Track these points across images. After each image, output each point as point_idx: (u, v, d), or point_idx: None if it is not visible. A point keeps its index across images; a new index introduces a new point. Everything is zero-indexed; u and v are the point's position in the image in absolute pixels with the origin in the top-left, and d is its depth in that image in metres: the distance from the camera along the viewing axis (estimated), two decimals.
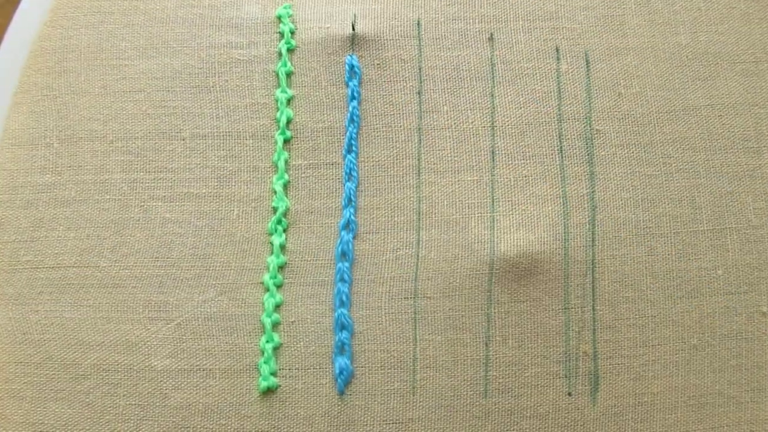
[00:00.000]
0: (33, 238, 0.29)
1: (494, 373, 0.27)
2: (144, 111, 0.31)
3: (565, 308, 0.28)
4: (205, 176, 0.30)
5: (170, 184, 0.30)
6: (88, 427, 0.27)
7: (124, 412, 0.27)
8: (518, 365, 0.28)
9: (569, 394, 0.27)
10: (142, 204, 0.30)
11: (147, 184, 0.30)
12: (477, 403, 0.27)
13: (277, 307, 0.28)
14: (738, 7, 0.32)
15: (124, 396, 0.27)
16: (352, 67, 0.31)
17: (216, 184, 0.30)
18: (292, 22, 0.32)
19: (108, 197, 0.30)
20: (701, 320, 0.28)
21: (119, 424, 0.27)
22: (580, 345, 0.28)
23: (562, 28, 0.32)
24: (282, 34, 0.32)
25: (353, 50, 0.31)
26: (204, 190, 0.30)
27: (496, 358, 0.28)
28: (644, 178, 0.30)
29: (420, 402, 0.27)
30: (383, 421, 0.27)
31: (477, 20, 0.32)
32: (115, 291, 0.28)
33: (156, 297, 0.28)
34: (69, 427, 0.27)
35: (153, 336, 0.28)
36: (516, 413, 0.27)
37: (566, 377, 0.27)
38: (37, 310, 0.28)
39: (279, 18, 0.32)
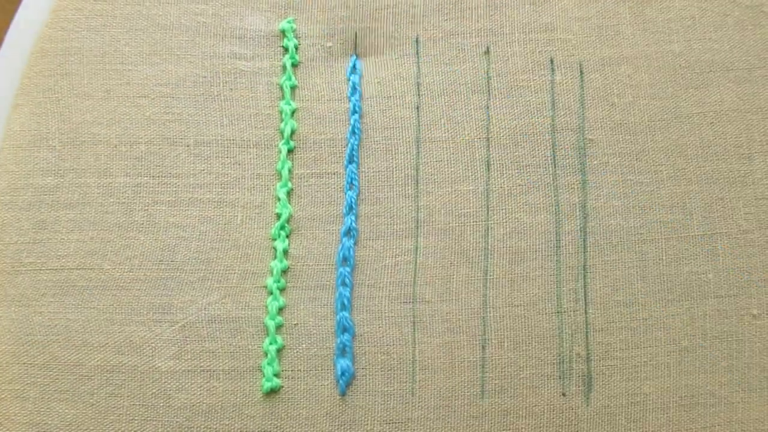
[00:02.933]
0: (36, 240, 0.29)
1: (490, 375, 0.28)
2: (148, 116, 0.31)
3: (558, 312, 0.29)
4: (209, 182, 0.30)
5: (174, 189, 0.30)
6: (92, 428, 0.27)
7: (128, 412, 0.27)
8: (514, 367, 0.28)
9: (563, 394, 0.28)
10: (146, 208, 0.30)
11: (151, 189, 0.30)
12: (474, 404, 0.28)
13: (280, 310, 0.29)
14: (732, 14, 0.32)
15: (128, 397, 0.27)
16: (353, 84, 0.31)
17: (220, 190, 0.30)
18: (296, 37, 0.32)
19: (112, 200, 0.30)
20: (692, 323, 0.28)
21: (123, 425, 0.27)
22: (573, 347, 0.28)
23: (557, 39, 0.32)
24: (286, 49, 0.32)
25: (354, 69, 0.32)
26: (208, 196, 0.30)
27: (492, 361, 0.28)
28: (636, 185, 0.30)
29: (419, 403, 0.28)
30: (383, 421, 0.27)
31: (474, 34, 0.32)
32: (119, 293, 0.29)
33: (160, 299, 0.29)
34: (73, 428, 0.27)
35: (157, 338, 0.28)
36: (512, 413, 0.27)
37: (560, 378, 0.28)
38: (41, 312, 0.28)
39: (283, 32, 0.32)
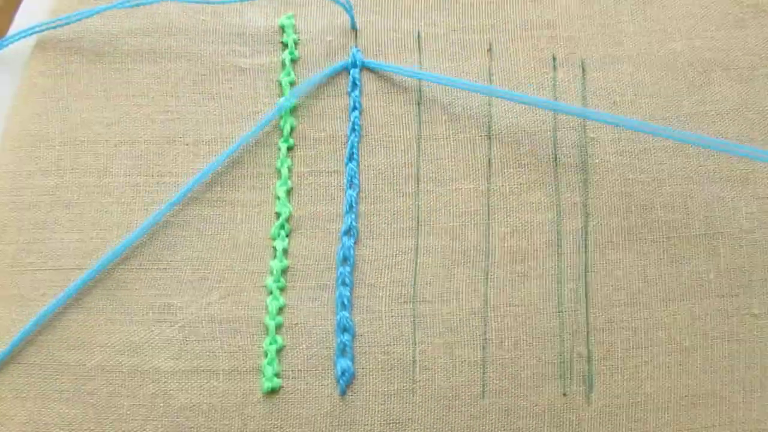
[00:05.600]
0: (35, 239, 0.29)
1: (491, 375, 0.28)
2: (147, 115, 0.31)
3: (559, 311, 0.29)
4: (209, 181, 0.30)
5: (174, 189, 0.30)
6: (91, 428, 0.27)
7: (128, 412, 0.27)
8: (514, 367, 0.28)
9: (564, 394, 0.28)
10: (146, 208, 0.30)
11: (150, 188, 0.30)
12: (475, 404, 0.28)
13: (280, 309, 0.29)
14: (733, 13, 0.32)
15: (128, 397, 0.27)
16: (353, 80, 0.31)
17: (219, 189, 0.30)
18: (295, 33, 0.32)
19: (111, 200, 0.30)
20: (693, 322, 0.28)
21: (123, 425, 0.27)
22: (574, 347, 0.28)
23: (559, 36, 0.32)
24: (285, 45, 0.32)
25: (354, 62, 0.32)
26: (207, 195, 0.30)
27: (492, 360, 0.28)
28: (637, 184, 0.30)
29: (419, 402, 0.28)
30: (383, 421, 0.27)
31: (476, 30, 0.32)
32: (119, 293, 0.29)
33: (160, 299, 0.28)
34: (73, 428, 0.27)
35: (157, 337, 0.28)
36: (512, 413, 0.27)
37: (561, 378, 0.28)
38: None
39: (282, 28, 0.32)
